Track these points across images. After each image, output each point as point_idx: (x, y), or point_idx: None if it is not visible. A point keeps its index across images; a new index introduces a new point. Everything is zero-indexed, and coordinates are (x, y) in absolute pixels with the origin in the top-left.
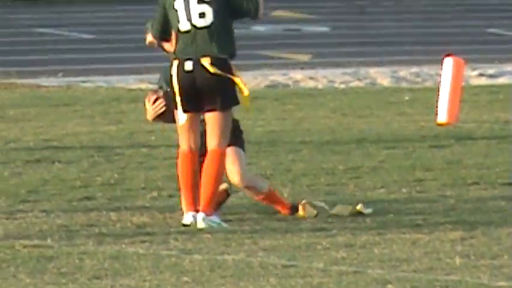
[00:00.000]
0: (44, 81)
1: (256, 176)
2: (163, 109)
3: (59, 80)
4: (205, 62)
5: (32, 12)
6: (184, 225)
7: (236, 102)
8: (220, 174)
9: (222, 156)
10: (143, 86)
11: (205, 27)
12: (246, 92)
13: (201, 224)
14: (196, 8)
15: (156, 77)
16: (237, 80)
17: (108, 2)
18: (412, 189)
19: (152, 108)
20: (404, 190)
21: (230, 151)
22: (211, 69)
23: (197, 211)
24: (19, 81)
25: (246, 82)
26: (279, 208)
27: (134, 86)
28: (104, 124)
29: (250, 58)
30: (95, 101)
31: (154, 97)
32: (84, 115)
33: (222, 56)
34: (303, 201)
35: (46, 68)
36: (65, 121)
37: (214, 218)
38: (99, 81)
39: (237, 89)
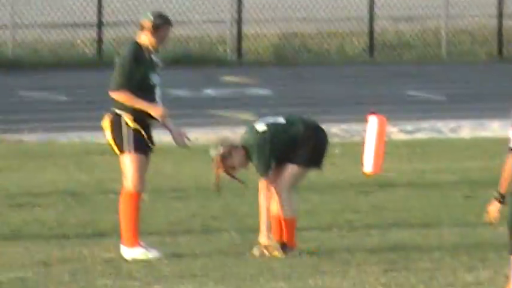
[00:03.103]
0: (25, 136)
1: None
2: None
3: (39, 136)
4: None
5: (15, 78)
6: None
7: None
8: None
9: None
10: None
11: None
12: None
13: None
14: None
15: None
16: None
17: (79, 69)
18: (342, 230)
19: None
20: (335, 230)
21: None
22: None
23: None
24: (3, 136)
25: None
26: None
27: (103, 141)
28: (77, 173)
29: (203, 117)
30: (69, 153)
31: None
32: (60, 165)
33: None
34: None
35: (28, 126)
36: (43, 171)
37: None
38: (73, 137)
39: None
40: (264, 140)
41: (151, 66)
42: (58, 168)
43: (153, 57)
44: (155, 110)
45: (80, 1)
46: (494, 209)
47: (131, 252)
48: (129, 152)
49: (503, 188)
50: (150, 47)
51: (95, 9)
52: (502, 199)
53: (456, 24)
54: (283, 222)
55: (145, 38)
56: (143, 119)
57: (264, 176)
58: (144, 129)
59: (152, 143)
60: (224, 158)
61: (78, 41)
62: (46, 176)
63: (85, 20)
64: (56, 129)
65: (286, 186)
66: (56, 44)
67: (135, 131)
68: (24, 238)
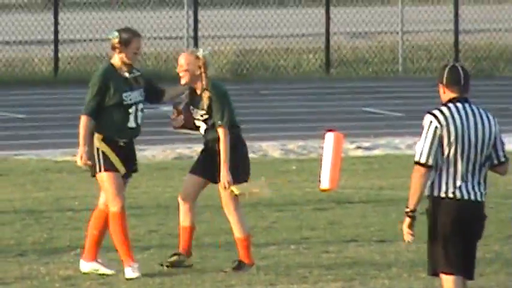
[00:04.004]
0: None
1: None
2: (181, 123)
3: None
4: None
5: None
6: (128, 279)
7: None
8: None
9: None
10: (68, 158)
11: None
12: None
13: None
14: None
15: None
16: None
17: (35, 86)
18: (299, 246)
19: (172, 119)
20: (292, 247)
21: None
22: None
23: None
24: None
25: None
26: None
27: (60, 159)
28: (34, 191)
29: (159, 134)
30: (26, 171)
31: (177, 109)
32: (17, 183)
33: None
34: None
35: None
36: (0, 189)
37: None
38: (30, 154)
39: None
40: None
41: (125, 85)
42: (15, 186)
43: (128, 75)
44: (79, 150)
45: (37, 19)
46: (407, 226)
47: (129, 272)
48: (100, 170)
49: (412, 203)
50: (124, 66)
51: (52, 27)
52: (413, 214)
53: (412, 40)
54: (238, 241)
55: (116, 58)
56: (112, 139)
57: (226, 126)
58: (114, 150)
59: (127, 165)
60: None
61: (35, 59)
62: (3, 194)
63: (41, 38)
64: (13, 146)
65: (235, 206)
66: (12, 61)
67: (103, 151)
68: None
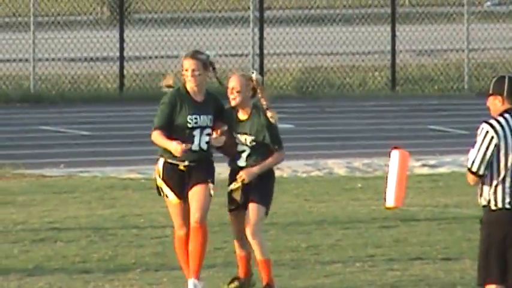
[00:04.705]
0: (47, 171)
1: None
2: (220, 144)
3: (61, 171)
4: None
5: (36, 112)
6: None
7: None
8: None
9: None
10: (133, 175)
11: None
12: None
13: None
14: None
15: (143, 168)
16: None
17: (100, 104)
18: (365, 264)
19: (213, 139)
20: (357, 264)
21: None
22: None
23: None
24: (26, 171)
25: None
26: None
27: (125, 176)
28: (100, 208)
29: None
30: (91, 188)
31: (220, 130)
32: (83, 201)
33: None
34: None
35: (49, 161)
36: (66, 206)
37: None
38: (95, 172)
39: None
40: None
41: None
42: (80, 203)
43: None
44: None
45: (103, 36)
46: None
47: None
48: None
49: None
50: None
51: (117, 43)
52: None
53: (478, 58)
54: (261, 263)
55: None
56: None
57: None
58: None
59: (179, 191)
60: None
61: (100, 76)
62: (68, 211)
63: (107, 55)
64: (78, 164)
65: (261, 228)
66: (77, 78)
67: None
68: (46, 273)
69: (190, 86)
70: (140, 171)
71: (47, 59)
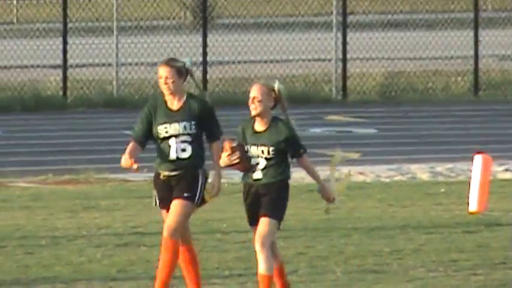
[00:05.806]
0: (131, 176)
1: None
2: (237, 161)
3: (144, 175)
4: None
5: (119, 117)
6: None
7: None
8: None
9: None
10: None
11: None
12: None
13: None
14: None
15: (226, 172)
16: None
17: None
18: (448, 269)
19: (227, 157)
20: (441, 269)
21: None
22: None
23: None
24: (110, 176)
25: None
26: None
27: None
28: None
29: (309, 156)
30: None
31: (229, 146)
32: None
33: None
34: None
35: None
36: (149, 210)
37: None
38: None
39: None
40: None
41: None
42: None
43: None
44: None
45: (186, 40)
46: None
47: None
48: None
49: None
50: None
51: (200, 48)
52: None
53: None
54: (262, 278)
55: None
56: (156, 175)
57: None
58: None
59: (161, 200)
60: None
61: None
62: (151, 215)
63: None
64: None
65: (269, 242)
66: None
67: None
68: (129, 278)
69: (165, 93)
70: (224, 176)
71: (130, 64)
